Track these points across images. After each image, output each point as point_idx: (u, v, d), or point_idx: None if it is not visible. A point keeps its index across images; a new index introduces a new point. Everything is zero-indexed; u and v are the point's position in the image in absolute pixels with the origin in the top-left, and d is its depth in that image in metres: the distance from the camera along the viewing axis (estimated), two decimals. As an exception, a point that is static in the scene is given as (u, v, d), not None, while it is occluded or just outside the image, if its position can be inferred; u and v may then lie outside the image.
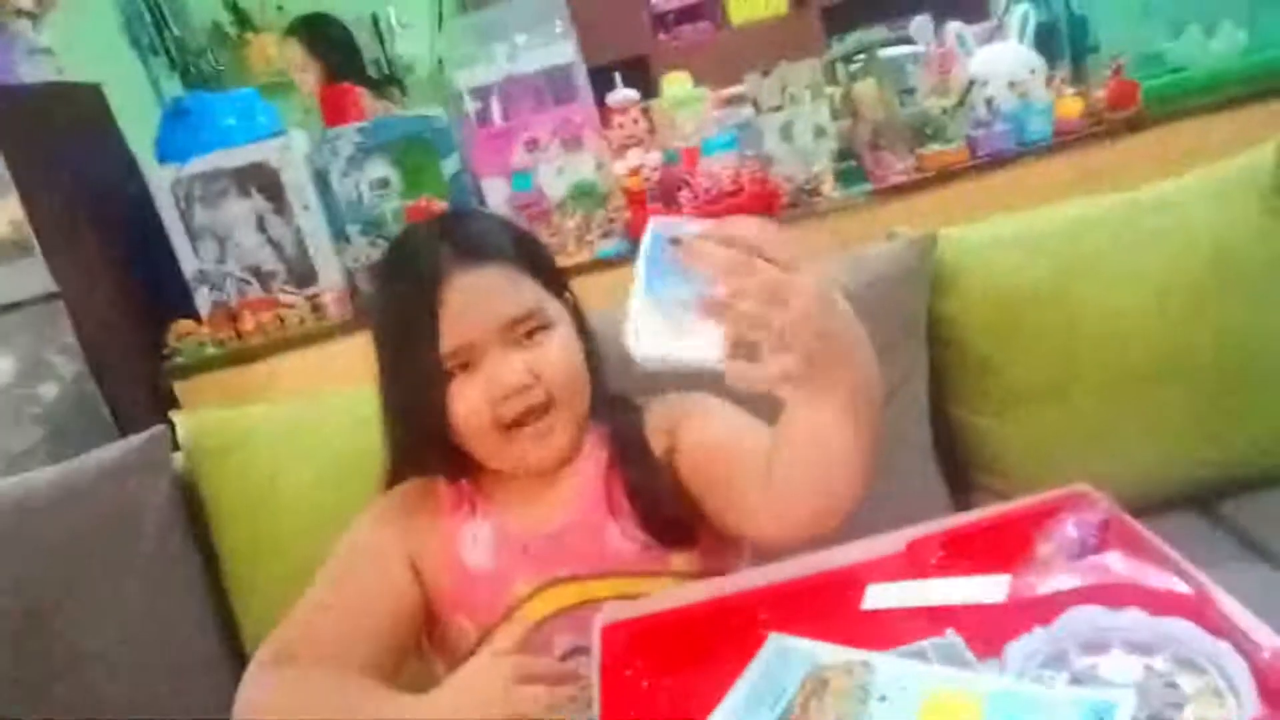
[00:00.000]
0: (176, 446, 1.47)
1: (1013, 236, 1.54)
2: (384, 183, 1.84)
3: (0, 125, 1.64)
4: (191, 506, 1.46)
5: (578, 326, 0.94)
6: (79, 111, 1.96)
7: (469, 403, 0.86)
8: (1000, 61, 1.86)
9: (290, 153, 1.78)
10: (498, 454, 0.90)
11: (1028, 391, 1.49)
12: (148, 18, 3.48)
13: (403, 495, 0.98)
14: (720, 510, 0.86)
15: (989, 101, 1.83)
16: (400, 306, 0.87)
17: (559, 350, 0.89)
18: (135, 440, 1.45)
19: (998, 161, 1.80)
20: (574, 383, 0.90)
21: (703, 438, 0.90)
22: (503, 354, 0.86)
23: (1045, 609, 0.62)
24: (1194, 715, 0.53)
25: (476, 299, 0.86)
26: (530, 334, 0.88)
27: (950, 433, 1.54)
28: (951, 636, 0.63)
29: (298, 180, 1.78)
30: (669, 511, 0.88)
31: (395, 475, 0.99)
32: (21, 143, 1.67)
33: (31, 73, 1.88)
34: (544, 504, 0.93)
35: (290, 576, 1.38)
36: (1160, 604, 0.60)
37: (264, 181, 1.79)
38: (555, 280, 0.94)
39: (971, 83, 1.86)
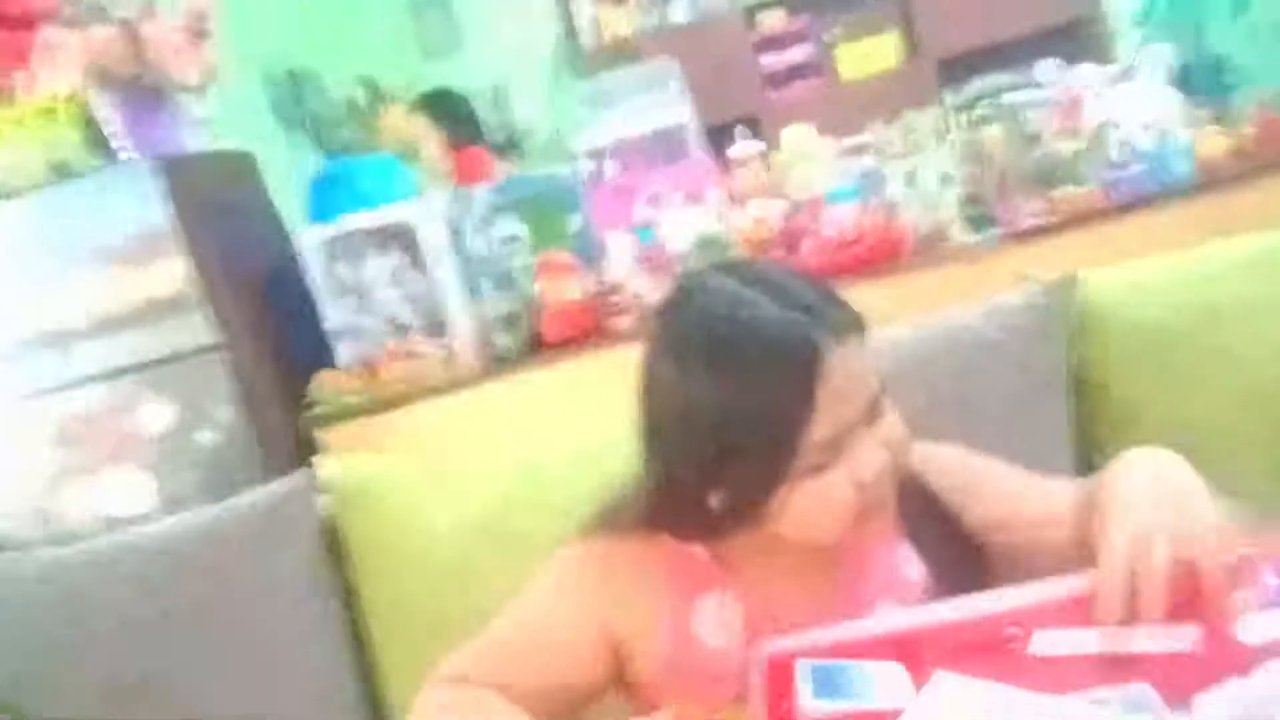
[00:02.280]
0: (320, 491, 1.53)
1: (1160, 279, 1.48)
2: (513, 239, 1.90)
3: (172, 191, 1.78)
4: (334, 550, 1.51)
5: None
6: (235, 177, 2.11)
7: (833, 495, 0.76)
8: (1134, 102, 1.81)
9: (427, 212, 1.87)
10: (833, 537, 0.80)
11: (1180, 442, 1.41)
12: (290, 94, 3.73)
13: (609, 555, 0.88)
14: (1010, 558, 0.85)
15: (1124, 143, 1.78)
16: (762, 394, 0.74)
17: (896, 415, 0.80)
18: (281, 485, 1.51)
19: (1135, 204, 1.74)
20: (907, 447, 0.82)
21: (998, 506, 0.86)
22: (863, 435, 0.76)
23: (1241, 660, 0.59)
24: None
25: (849, 380, 0.74)
26: (880, 405, 0.78)
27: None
28: (1139, 685, 0.60)
29: (433, 238, 1.86)
30: (971, 587, 0.81)
31: (609, 527, 0.89)
32: (188, 207, 1.80)
33: (192, 142, 2.04)
34: (809, 581, 0.85)
35: (429, 619, 1.43)
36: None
37: (402, 239, 1.88)
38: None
39: (1103, 125, 1.82)
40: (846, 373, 0.74)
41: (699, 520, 0.82)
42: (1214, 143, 1.76)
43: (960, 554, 0.85)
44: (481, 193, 1.93)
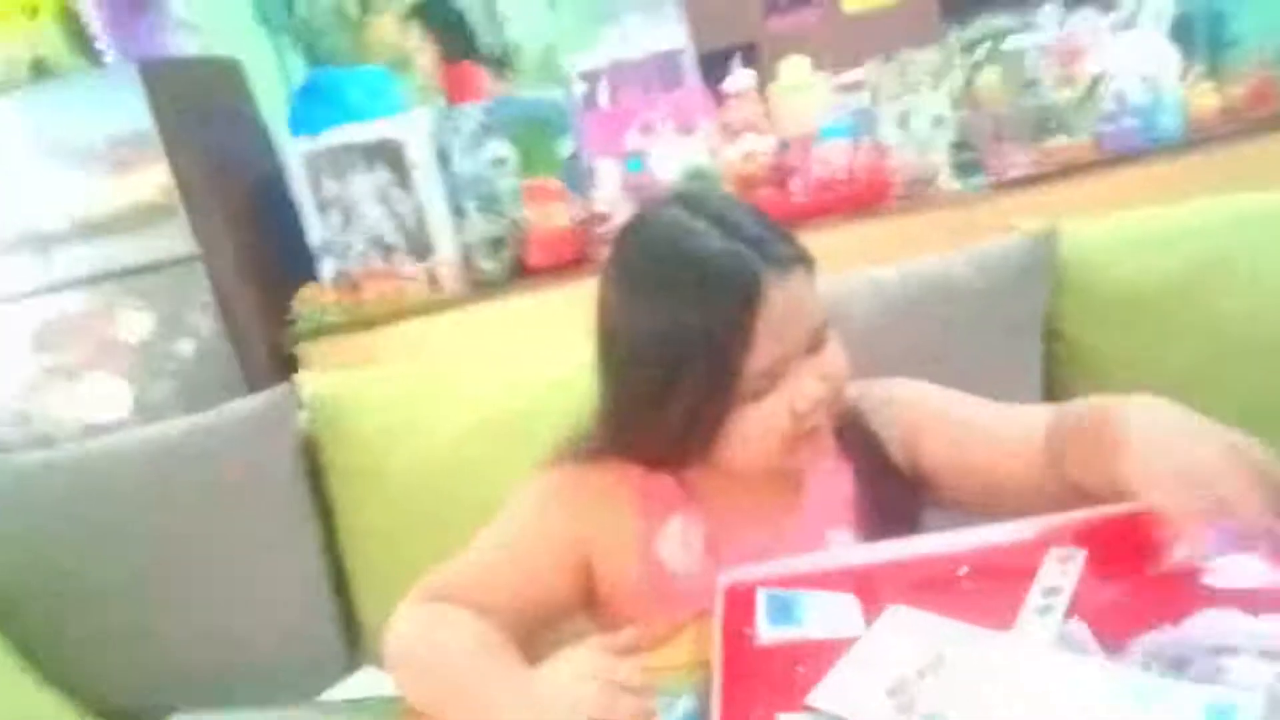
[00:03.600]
0: (301, 406, 1.54)
1: (1142, 234, 1.50)
2: (502, 161, 1.88)
3: (154, 95, 1.74)
4: (313, 464, 1.53)
5: None
6: (220, 85, 2.07)
7: (769, 423, 0.79)
8: (1132, 53, 1.79)
9: (415, 130, 1.84)
10: (768, 465, 0.83)
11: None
12: (278, -1, 3.62)
13: (581, 479, 0.91)
14: (969, 499, 0.88)
15: (1118, 95, 1.77)
16: (704, 321, 0.76)
17: (838, 348, 0.83)
18: (262, 397, 1.52)
19: (1125, 157, 1.74)
20: (845, 379, 0.84)
21: (952, 445, 0.88)
22: (802, 365, 0.79)
23: (1177, 607, 0.62)
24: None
25: (789, 312, 0.77)
26: (821, 338, 0.81)
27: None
28: (1077, 625, 0.63)
29: (421, 156, 1.84)
30: (900, 526, 0.85)
31: (581, 453, 0.91)
32: (170, 113, 1.77)
33: (177, 47, 1.99)
34: (763, 506, 0.89)
35: (403, 536, 1.46)
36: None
37: (388, 156, 1.86)
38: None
39: (1099, 75, 1.80)
40: (787, 304, 0.77)
41: (653, 446, 0.86)
42: (1206, 100, 1.76)
43: (892, 488, 0.89)
44: (471, 112, 1.90)
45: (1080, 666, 0.60)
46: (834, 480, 0.90)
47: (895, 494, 0.90)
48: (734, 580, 0.77)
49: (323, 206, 1.87)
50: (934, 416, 0.91)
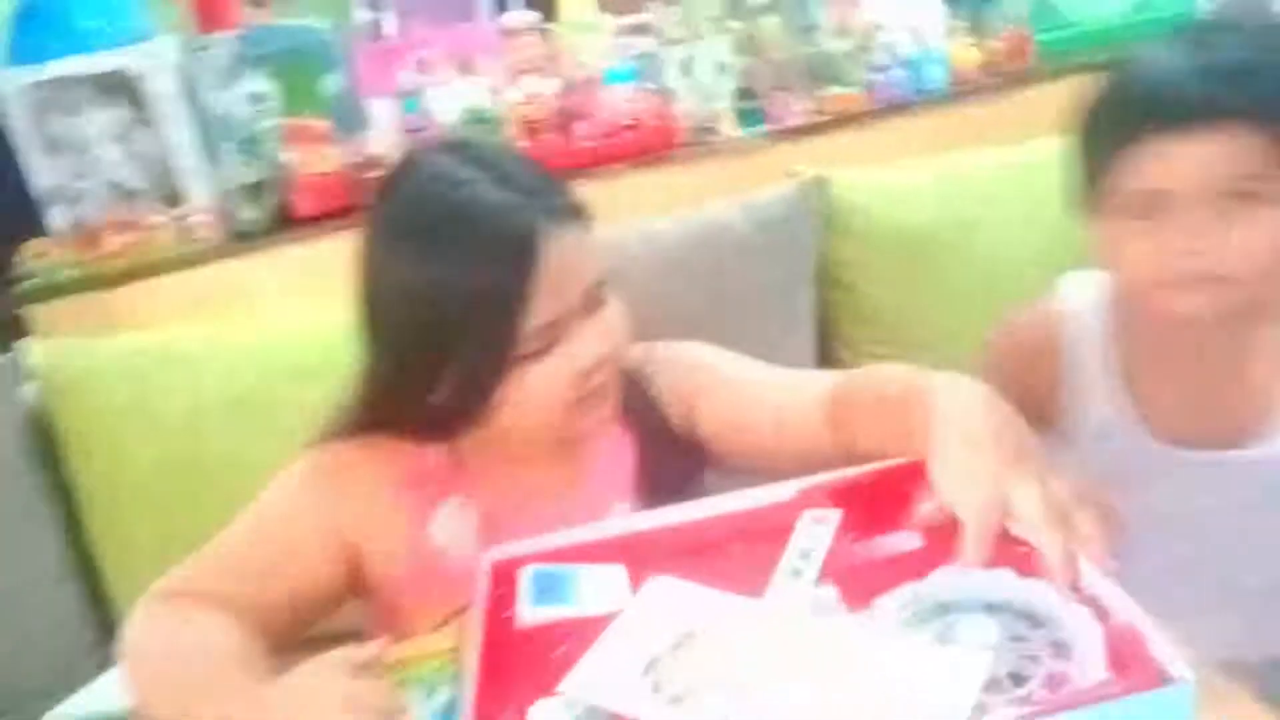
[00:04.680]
0: (28, 376, 1.38)
1: (909, 183, 1.57)
2: (260, 98, 1.72)
3: None
4: (43, 440, 1.38)
5: None
6: (-90, 1, 1.76)
7: (551, 384, 0.76)
8: (902, 6, 1.85)
9: (157, 61, 1.64)
10: (551, 429, 0.81)
11: (922, 338, 1.52)
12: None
13: (344, 459, 0.86)
14: (748, 462, 0.88)
15: (889, 46, 1.83)
16: (477, 277, 0.72)
17: (618, 306, 0.81)
18: (-21, 368, 1.35)
19: (895, 108, 1.80)
20: (628, 343, 0.83)
21: (731, 409, 0.88)
22: (583, 324, 0.77)
23: (919, 565, 0.63)
24: (1044, 674, 0.54)
25: (566, 267, 0.74)
26: (600, 296, 0.79)
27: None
28: (825, 589, 0.63)
29: (164, 91, 1.64)
30: (683, 493, 0.83)
31: (345, 430, 0.86)
32: None
33: None
34: (543, 480, 0.86)
35: (153, 515, 1.34)
36: (1030, 565, 0.61)
37: (126, 91, 1.65)
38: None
39: (872, 26, 1.85)
40: (565, 259, 0.74)
41: (424, 417, 0.81)
42: (968, 54, 1.84)
43: (674, 453, 0.89)
44: (224, 42, 1.71)
45: (827, 629, 0.60)
46: (616, 450, 0.88)
47: (677, 460, 0.89)
48: (500, 557, 0.74)
49: (50, 148, 1.64)
50: (714, 379, 0.90)
